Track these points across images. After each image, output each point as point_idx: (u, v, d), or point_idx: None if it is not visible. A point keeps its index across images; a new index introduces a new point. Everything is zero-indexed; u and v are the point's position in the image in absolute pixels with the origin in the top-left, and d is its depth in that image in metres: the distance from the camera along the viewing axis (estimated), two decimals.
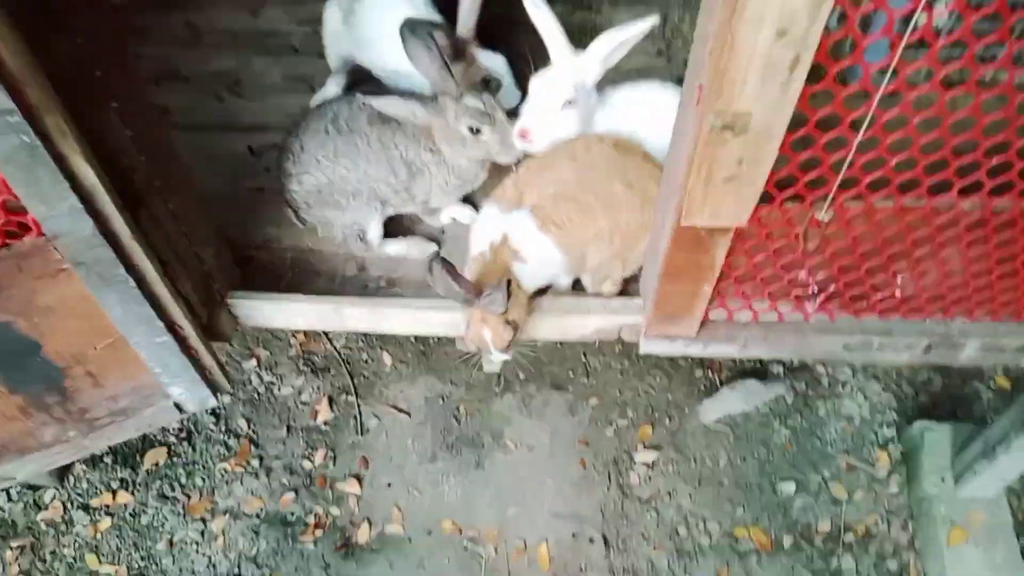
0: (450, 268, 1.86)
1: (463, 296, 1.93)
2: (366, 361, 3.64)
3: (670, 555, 3.14)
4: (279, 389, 3.59)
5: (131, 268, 1.73)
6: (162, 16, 3.21)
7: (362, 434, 3.47)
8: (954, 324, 2.13)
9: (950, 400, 3.52)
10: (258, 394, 3.57)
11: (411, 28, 2.06)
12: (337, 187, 2.26)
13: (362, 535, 3.18)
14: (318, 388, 3.58)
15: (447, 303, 2.21)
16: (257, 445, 3.44)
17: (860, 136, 1.64)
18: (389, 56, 2.44)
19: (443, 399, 3.56)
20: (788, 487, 3.31)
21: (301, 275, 2.41)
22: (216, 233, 2.17)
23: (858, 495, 3.30)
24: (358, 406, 3.54)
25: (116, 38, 1.62)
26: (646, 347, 2.25)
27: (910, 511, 3.25)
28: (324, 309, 2.21)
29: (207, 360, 2.08)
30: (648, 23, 2.16)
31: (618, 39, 2.16)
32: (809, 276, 2.03)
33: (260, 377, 3.57)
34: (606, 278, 2.28)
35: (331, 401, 3.55)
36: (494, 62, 2.74)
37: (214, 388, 2.15)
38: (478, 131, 2.11)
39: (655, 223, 2.03)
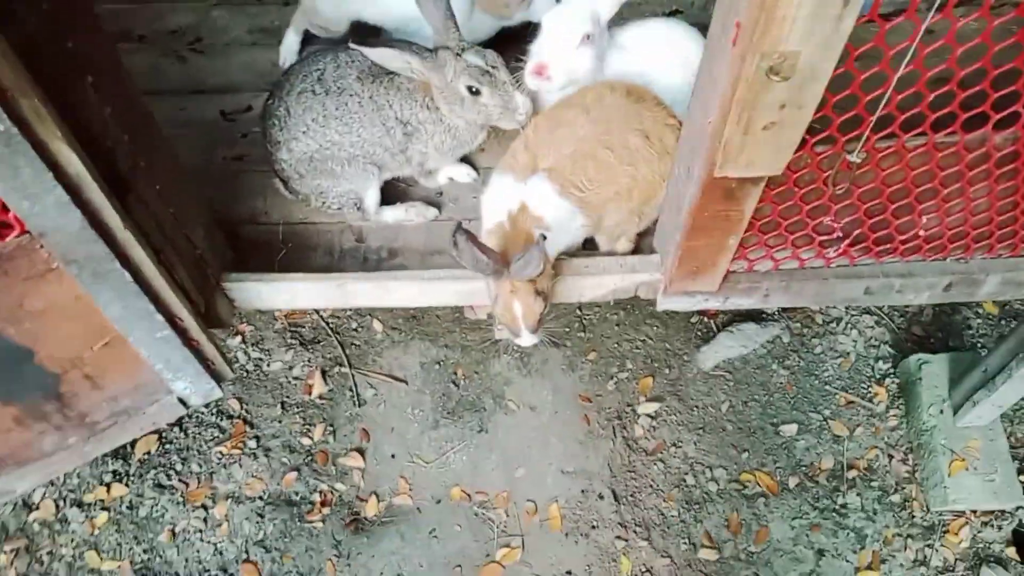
0: (474, 238, 1.75)
1: (492, 267, 1.82)
2: (356, 330, 3.52)
3: (680, 505, 3.15)
4: (268, 365, 3.45)
5: (126, 261, 1.58)
6: None
7: (359, 406, 3.37)
8: (974, 261, 2.11)
9: (941, 330, 3.56)
10: (247, 372, 3.43)
11: None
12: (330, 153, 2.10)
13: (370, 509, 3.11)
14: (309, 361, 3.46)
15: (455, 272, 2.11)
16: (252, 425, 3.31)
17: (901, 71, 1.56)
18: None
19: (439, 364, 3.47)
20: (790, 428, 3.33)
21: (296, 250, 2.26)
22: (205, 211, 2.01)
23: (858, 431, 3.33)
24: (352, 377, 3.43)
25: (82, 4, 1.44)
26: (664, 304, 2.18)
27: (909, 444, 3.30)
28: (327, 287, 2.08)
29: (209, 350, 1.95)
30: None
31: None
32: (835, 221, 1.97)
33: (247, 354, 3.43)
34: (621, 235, 2.19)
35: (324, 374, 3.43)
36: None
37: (218, 378, 2.02)
38: (477, 92, 1.98)
39: (675, 174, 1.94)
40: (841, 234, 2.00)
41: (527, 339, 2.00)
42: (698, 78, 1.70)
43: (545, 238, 1.84)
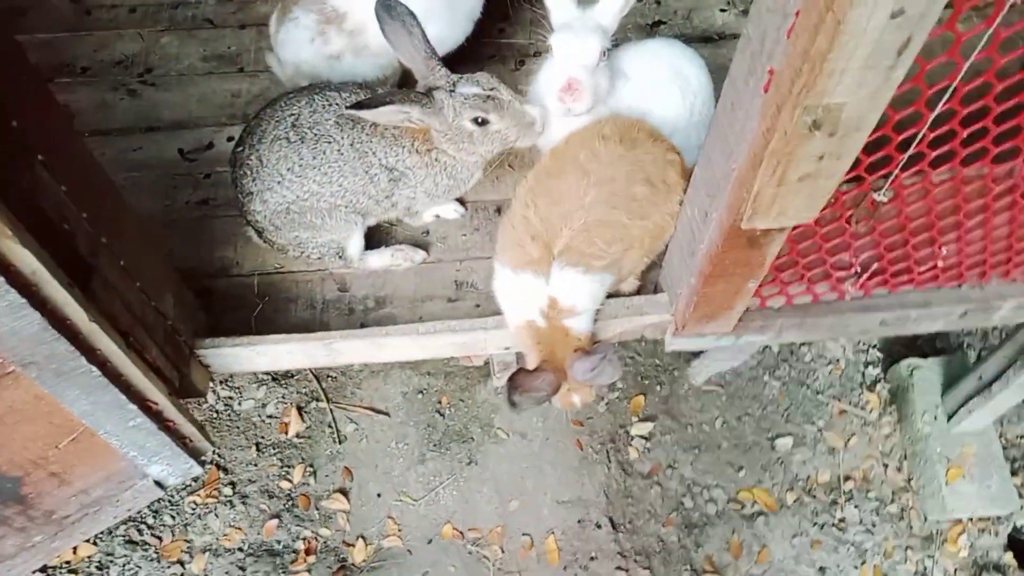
0: (525, 380, 1.76)
1: (552, 387, 1.84)
2: None
3: (679, 530, 3.07)
4: (239, 404, 3.25)
5: (92, 355, 1.39)
6: None
7: (340, 443, 3.20)
8: (990, 287, 2.04)
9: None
10: (217, 413, 3.23)
11: (387, 8, 1.72)
12: (308, 204, 1.92)
13: (358, 554, 2.95)
14: (283, 397, 3.27)
15: (451, 324, 1.97)
16: (226, 471, 3.12)
17: (938, 110, 1.45)
18: None
19: (422, 393, 3.31)
20: (785, 442, 3.27)
21: (274, 303, 2.08)
22: (172, 274, 1.81)
23: (853, 441, 3.30)
24: (331, 412, 3.25)
25: (26, 72, 1.23)
26: (673, 345, 2.07)
27: (904, 451, 3.28)
28: (312, 347, 1.91)
29: (186, 428, 1.76)
30: None
31: None
32: (853, 256, 1.87)
33: (216, 393, 3.22)
34: (630, 275, 2.06)
35: (300, 410, 3.24)
36: None
37: (196, 455, 1.84)
38: (485, 122, 1.81)
39: (687, 215, 1.82)
40: (859, 269, 1.90)
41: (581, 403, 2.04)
42: (717, 118, 1.57)
43: (614, 347, 1.86)
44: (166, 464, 1.77)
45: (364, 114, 1.74)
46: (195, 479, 3.07)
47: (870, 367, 3.44)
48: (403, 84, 2.27)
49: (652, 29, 2.59)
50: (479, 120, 1.80)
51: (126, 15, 2.61)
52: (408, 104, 1.74)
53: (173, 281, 1.80)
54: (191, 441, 1.81)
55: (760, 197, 1.43)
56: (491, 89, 1.81)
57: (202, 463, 1.85)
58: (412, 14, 1.73)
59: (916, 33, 1.13)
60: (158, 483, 1.82)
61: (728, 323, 1.93)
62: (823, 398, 3.39)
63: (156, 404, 1.64)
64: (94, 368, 1.40)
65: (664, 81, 2.00)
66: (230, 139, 2.32)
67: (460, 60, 2.36)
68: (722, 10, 2.61)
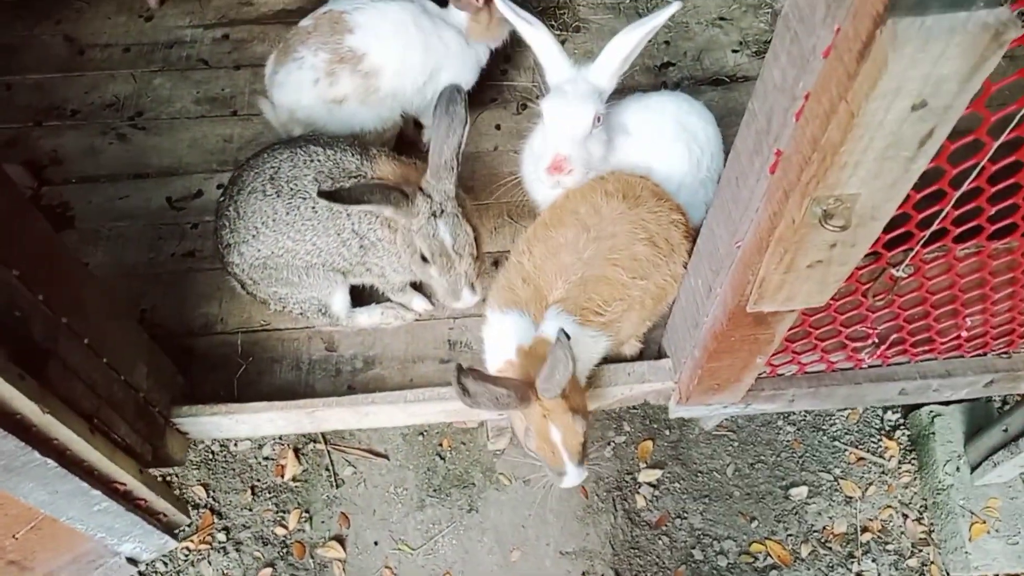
0: (482, 374, 1.53)
1: (516, 395, 1.57)
2: None
3: None
4: (236, 445, 3.15)
5: (47, 447, 1.31)
6: (32, 29, 2.61)
7: (337, 487, 3.10)
8: (1018, 356, 1.91)
9: None
10: (212, 454, 3.14)
11: (450, 99, 1.71)
12: (284, 261, 1.84)
13: None
14: (280, 439, 3.17)
15: (440, 392, 1.87)
16: (220, 515, 3.03)
17: (964, 188, 1.33)
18: None
19: (423, 435, 3.21)
20: (800, 491, 3.13)
21: (258, 363, 2.00)
22: (145, 343, 1.73)
23: (871, 491, 3.14)
24: (328, 455, 3.15)
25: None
26: (678, 412, 1.96)
27: (924, 502, 3.12)
28: (295, 416, 1.82)
29: (159, 504, 1.68)
30: (671, 10, 1.77)
31: (637, 37, 1.77)
32: (871, 328, 1.75)
33: None
34: (631, 338, 1.95)
35: (297, 452, 3.15)
36: None
37: (171, 529, 1.75)
38: (426, 261, 1.74)
39: (690, 284, 1.71)
40: (877, 340, 1.78)
41: (573, 475, 1.73)
42: (721, 190, 1.46)
43: (568, 335, 1.58)
44: (138, 542, 1.69)
45: (337, 205, 1.65)
46: (188, 523, 2.99)
47: (889, 412, 3.29)
48: (400, 139, 2.19)
49: (661, 70, 2.49)
50: (424, 258, 1.73)
51: (120, 55, 2.55)
52: (384, 206, 1.66)
53: (147, 350, 1.71)
54: (165, 516, 1.72)
55: (766, 283, 1.32)
56: (457, 253, 1.73)
57: (176, 536, 1.76)
58: (465, 123, 1.67)
59: (940, 125, 1.02)
60: (131, 559, 1.73)
61: (736, 394, 1.82)
62: (840, 444, 3.24)
63: (124, 484, 1.55)
64: (50, 460, 1.31)
65: (669, 137, 1.89)
66: (219, 186, 2.25)
67: None
68: (734, 51, 2.50)
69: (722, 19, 2.58)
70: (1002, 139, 1.22)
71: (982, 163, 1.27)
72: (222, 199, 1.89)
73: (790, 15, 1.10)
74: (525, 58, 2.50)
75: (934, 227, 1.40)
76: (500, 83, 2.50)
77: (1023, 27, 0.91)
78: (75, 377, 1.40)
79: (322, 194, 1.62)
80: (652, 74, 2.49)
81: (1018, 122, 1.19)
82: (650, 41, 2.56)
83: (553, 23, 2.63)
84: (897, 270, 1.52)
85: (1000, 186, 1.33)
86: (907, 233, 1.41)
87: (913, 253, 1.48)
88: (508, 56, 2.48)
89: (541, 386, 1.59)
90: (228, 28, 2.58)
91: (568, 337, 1.55)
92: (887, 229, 1.38)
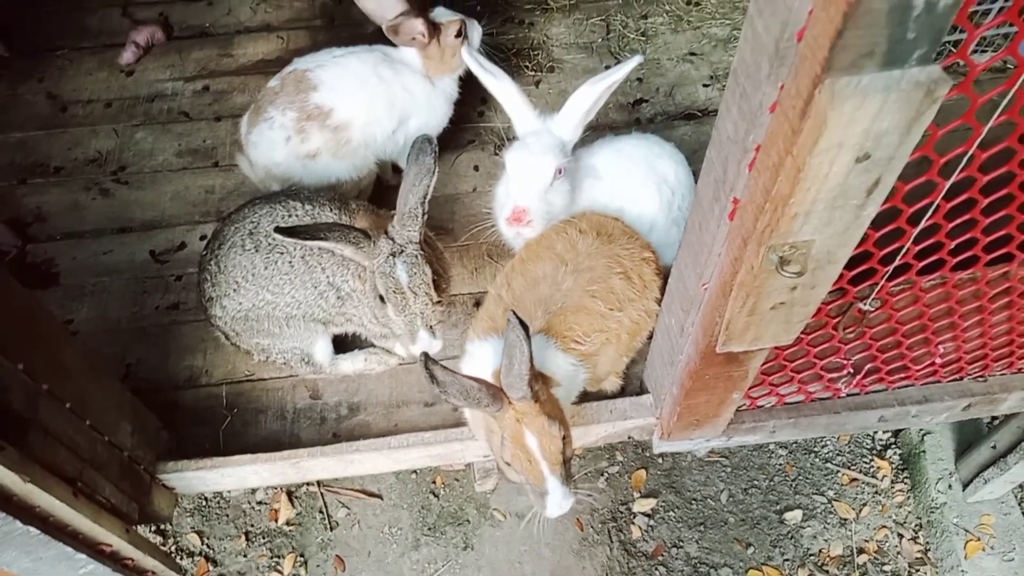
0: (450, 369, 1.49)
1: (488, 393, 1.51)
2: None
3: None
4: (229, 491, 3.16)
5: (29, 513, 1.31)
6: (14, 88, 2.65)
7: (331, 529, 3.10)
8: (993, 379, 1.93)
9: None
10: (206, 501, 3.14)
11: (420, 148, 1.71)
12: (265, 312, 1.86)
13: None
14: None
15: (424, 437, 1.88)
16: (215, 562, 3.02)
17: (922, 224, 1.37)
18: None
19: (416, 473, 3.21)
20: (794, 515, 3.13)
21: (243, 414, 2.01)
22: (128, 402, 1.74)
23: (865, 511, 3.15)
24: (322, 496, 3.16)
25: None
26: (661, 448, 1.97)
27: (919, 520, 3.13)
28: (280, 467, 1.83)
29: (147, 562, 1.68)
30: (632, 64, 1.81)
31: (599, 90, 1.81)
32: (845, 359, 1.77)
33: None
34: (609, 374, 1.97)
35: (290, 496, 3.15)
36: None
37: None
38: (383, 300, 1.75)
39: (664, 323, 1.73)
40: (852, 370, 1.80)
41: (557, 494, 1.59)
42: (687, 234, 1.48)
43: (519, 319, 1.47)
44: None
45: (293, 241, 1.67)
46: (183, 572, 2.98)
47: (879, 432, 3.31)
48: (376, 186, 2.22)
49: (634, 107, 2.53)
50: (380, 297, 1.75)
51: (101, 110, 2.58)
52: (343, 244, 1.67)
53: (130, 408, 1.73)
54: (154, 574, 1.72)
55: (733, 324, 1.34)
56: (412, 291, 1.72)
57: None
58: (432, 173, 1.68)
59: (886, 175, 1.05)
60: None
61: (716, 429, 1.84)
62: (832, 466, 3.25)
63: (110, 546, 1.56)
64: (32, 528, 1.32)
65: (639, 179, 1.92)
66: (202, 238, 2.28)
67: (441, 146, 2.31)
68: (705, 85, 2.55)
69: (692, 54, 2.62)
70: (952, 180, 1.25)
71: (936, 202, 1.31)
72: (204, 253, 1.92)
73: (739, 70, 1.13)
74: None
75: (896, 262, 1.43)
76: (477, 125, 2.54)
77: (954, 82, 0.94)
78: (57, 442, 1.41)
79: (279, 230, 1.63)
80: (626, 111, 2.54)
81: (967, 163, 1.22)
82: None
83: (527, 64, 2.67)
84: (864, 304, 1.55)
85: (957, 221, 1.36)
86: (871, 269, 1.44)
87: (878, 288, 1.51)
88: (484, 98, 2.52)
89: (505, 381, 1.52)
90: (208, 80, 2.62)
91: (521, 323, 1.45)
92: (849, 266, 1.41)
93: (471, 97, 2.42)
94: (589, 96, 1.79)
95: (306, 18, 2.82)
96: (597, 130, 1.98)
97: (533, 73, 2.65)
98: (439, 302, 1.75)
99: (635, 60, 1.78)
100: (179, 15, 2.83)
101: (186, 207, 2.34)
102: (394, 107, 2.22)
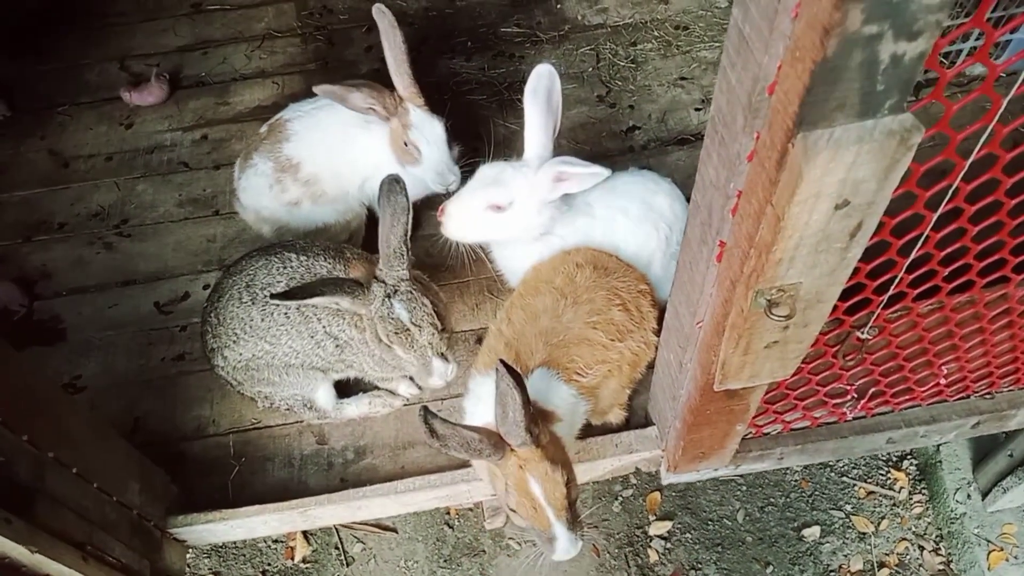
0: (448, 421, 1.47)
1: (489, 443, 1.50)
2: None
3: None
4: None
5: None
6: (17, 147, 2.70)
7: (348, 565, 3.10)
8: (1001, 396, 1.91)
9: None
10: (222, 541, 3.15)
11: (389, 189, 1.71)
12: (264, 362, 1.87)
13: None
14: None
15: (430, 480, 1.89)
16: None
17: (912, 256, 1.36)
18: None
19: None
20: (812, 531, 3.10)
21: (251, 463, 2.02)
22: (137, 460, 1.76)
23: (884, 525, 3.11)
24: (337, 532, 3.16)
25: None
26: (669, 479, 1.97)
27: (939, 531, 3.09)
28: (288, 516, 1.84)
29: None
30: (599, 175, 1.82)
31: (569, 172, 1.83)
32: (848, 385, 1.76)
33: None
34: (613, 406, 1.97)
35: (306, 534, 3.15)
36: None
37: None
38: (390, 345, 1.76)
39: (664, 358, 1.73)
40: (856, 395, 1.79)
41: (564, 540, 1.58)
42: (679, 272, 1.49)
43: (507, 366, 1.45)
44: None
45: (291, 303, 1.68)
46: None
47: None
48: (369, 228, 2.24)
49: (627, 134, 2.54)
50: (386, 344, 1.76)
51: (103, 164, 2.63)
52: (339, 296, 1.67)
53: (137, 465, 1.75)
54: None
55: (728, 364, 1.34)
56: (416, 325, 1.72)
57: None
58: (407, 210, 1.69)
59: (867, 219, 1.05)
60: None
61: (722, 460, 1.83)
62: (848, 480, 3.22)
63: None
64: None
65: (635, 218, 1.93)
66: (205, 287, 2.30)
67: None
68: (697, 109, 2.55)
69: (683, 79, 2.63)
70: (940, 210, 1.25)
71: (925, 232, 1.30)
72: (206, 305, 1.94)
73: (716, 119, 1.14)
74: (498, 132, 2.56)
75: (890, 292, 1.43)
76: (473, 160, 2.56)
77: (927, 127, 0.94)
78: (65, 508, 1.43)
79: (275, 296, 1.65)
80: (619, 139, 2.55)
81: (952, 194, 1.22)
82: (614, 106, 2.64)
83: (519, 97, 2.68)
84: (862, 332, 1.54)
85: (948, 250, 1.35)
86: (866, 300, 1.44)
87: (875, 316, 1.50)
88: (479, 134, 2.53)
89: (503, 430, 1.51)
90: (206, 129, 2.66)
91: (508, 369, 1.43)
92: (843, 298, 1.41)
93: (466, 134, 2.44)
94: (555, 172, 1.84)
95: (300, 62, 2.86)
96: (591, 159, 1.98)
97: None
98: (444, 330, 1.76)
99: (603, 173, 1.82)
100: (175, 65, 2.88)
101: (188, 257, 2.37)
102: (359, 165, 2.17)
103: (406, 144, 2.07)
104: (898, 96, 0.91)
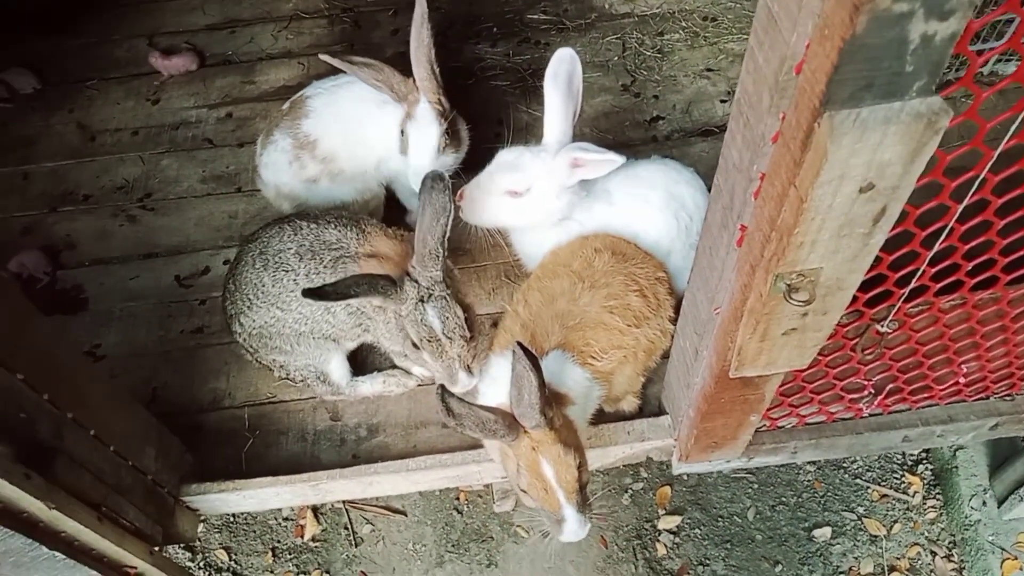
0: (465, 401, 1.48)
1: (504, 423, 1.51)
2: None
3: None
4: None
5: (55, 539, 1.35)
6: (47, 119, 2.73)
7: (356, 545, 3.12)
8: (1022, 398, 1.88)
9: None
10: (233, 516, 3.18)
11: (430, 186, 1.69)
12: (276, 330, 1.89)
13: None
14: None
15: (442, 459, 1.90)
16: None
17: (936, 248, 1.35)
18: None
19: (440, 490, 3.22)
20: (823, 532, 3.08)
21: (265, 436, 2.04)
22: (152, 426, 1.78)
23: (896, 528, 3.08)
24: (347, 513, 3.18)
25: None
26: (680, 469, 1.96)
27: (952, 537, 3.05)
28: (300, 488, 1.86)
29: None
30: (614, 162, 1.81)
31: (585, 158, 1.84)
32: (865, 380, 1.75)
33: None
34: (627, 393, 1.97)
35: (316, 512, 3.18)
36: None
37: None
38: (417, 347, 1.76)
39: (679, 345, 1.72)
40: (873, 390, 1.77)
41: (573, 521, 1.61)
42: (698, 258, 1.48)
43: (524, 348, 1.46)
44: None
45: (325, 304, 1.69)
46: None
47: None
48: (390, 202, 2.25)
49: (651, 124, 2.53)
50: (414, 344, 1.75)
51: (129, 138, 2.66)
52: (372, 295, 1.66)
53: (155, 432, 1.77)
54: None
55: (745, 350, 1.33)
56: (448, 337, 1.72)
57: None
58: (449, 212, 1.66)
59: (891, 204, 1.04)
60: None
61: (735, 451, 1.82)
62: (861, 482, 3.19)
63: (134, 568, 1.59)
64: (58, 553, 1.36)
65: (656, 206, 1.93)
66: (226, 262, 2.33)
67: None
68: (722, 101, 2.54)
69: (709, 70, 2.62)
70: (966, 201, 1.23)
71: (950, 224, 1.29)
72: (227, 274, 1.97)
73: (742, 100, 1.13)
74: (520, 119, 2.56)
75: (912, 285, 1.41)
76: (494, 145, 2.56)
77: (955, 113, 0.93)
78: (82, 469, 1.45)
79: (306, 293, 1.61)
80: (642, 128, 2.53)
81: (979, 186, 1.21)
82: (638, 95, 2.63)
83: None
84: (882, 325, 1.53)
85: (972, 243, 1.34)
86: (887, 292, 1.42)
87: (895, 310, 1.49)
88: (500, 119, 2.54)
89: (517, 412, 1.52)
90: (231, 107, 2.68)
91: (525, 351, 1.44)
92: (864, 288, 1.39)
93: (487, 118, 2.44)
94: (573, 158, 1.84)
95: (326, 44, 2.88)
96: (614, 148, 1.98)
97: None
98: (471, 338, 1.76)
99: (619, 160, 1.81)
100: (203, 43, 2.90)
101: (210, 232, 2.39)
102: (371, 145, 2.17)
103: (402, 133, 2.07)
104: (927, 78, 0.90)
